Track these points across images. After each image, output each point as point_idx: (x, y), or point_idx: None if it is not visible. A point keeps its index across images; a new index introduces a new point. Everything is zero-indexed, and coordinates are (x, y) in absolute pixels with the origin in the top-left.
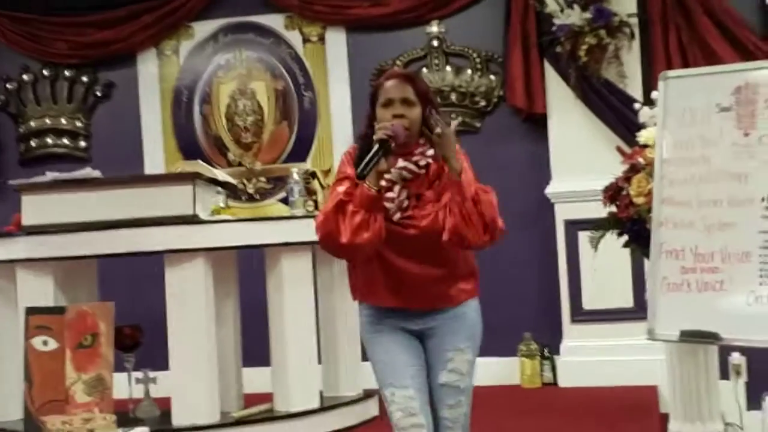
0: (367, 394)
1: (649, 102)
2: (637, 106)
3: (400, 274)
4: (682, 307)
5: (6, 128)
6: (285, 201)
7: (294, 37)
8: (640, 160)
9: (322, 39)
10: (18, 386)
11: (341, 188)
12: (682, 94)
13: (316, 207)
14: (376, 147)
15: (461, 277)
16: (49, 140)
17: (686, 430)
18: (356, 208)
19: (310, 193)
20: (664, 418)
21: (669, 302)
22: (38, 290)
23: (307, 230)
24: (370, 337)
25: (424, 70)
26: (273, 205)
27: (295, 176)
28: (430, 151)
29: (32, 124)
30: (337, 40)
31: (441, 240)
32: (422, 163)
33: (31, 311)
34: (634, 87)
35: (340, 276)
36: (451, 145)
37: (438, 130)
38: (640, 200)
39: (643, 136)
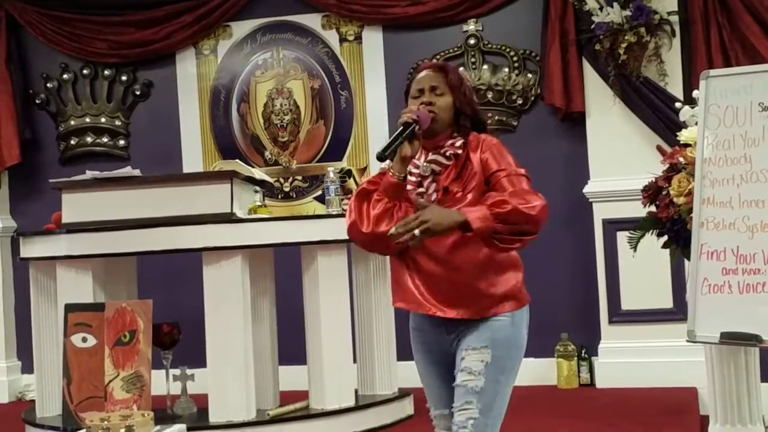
0: (403, 393)
1: (689, 101)
2: (678, 105)
3: (423, 274)
4: (723, 308)
5: (46, 127)
6: (321, 199)
7: (331, 37)
8: (681, 159)
9: (359, 38)
10: (57, 382)
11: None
12: (723, 93)
13: None
14: (399, 129)
15: (494, 286)
16: (89, 139)
17: None
18: (380, 196)
19: (346, 191)
20: (704, 421)
21: (709, 304)
22: (78, 287)
23: (343, 229)
24: (414, 352)
25: (461, 68)
26: (309, 204)
27: (331, 175)
28: (459, 142)
29: (72, 122)
30: (373, 40)
31: (467, 237)
32: (449, 153)
33: (70, 308)
34: (674, 86)
35: (376, 274)
36: (435, 224)
37: (418, 203)
38: (680, 200)
39: (683, 136)
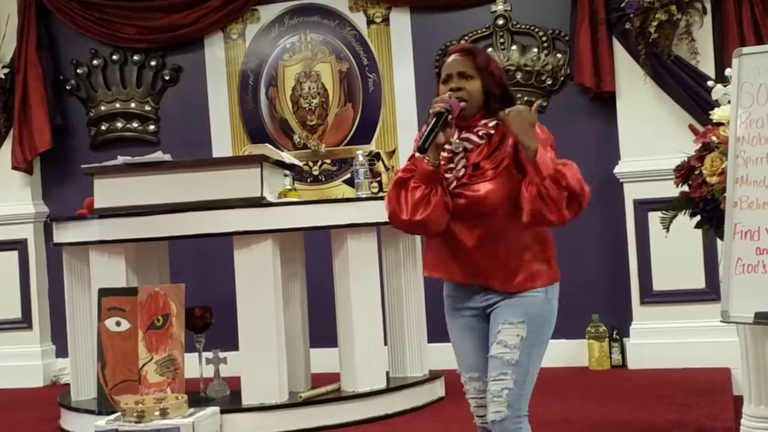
0: (434, 375)
1: (721, 79)
2: (710, 83)
3: (457, 245)
4: (757, 288)
5: (77, 113)
6: (350, 182)
7: (358, 19)
8: (714, 138)
9: (386, 20)
10: (92, 366)
11: (403, 166)
12: (756, 71)
13: (381, 189)
14: (432, 121)
15: (527, 262)
16: (119, 124)
17: (761, 414)
18: (417, 183)
19: (374, 174)
20: (738, 401)
21: (743, 284)
22: (111, 272)
23: (372, 212)
24: (447, 319)
25: (489, 49)
26: (338, 187)
27: (360, 158)
28: (492, 123)
29: (102, 108)
30: (401, 21)
31: (497, 213)
32: (481, 132)
33: (104, 293)
34: (706, 64)
35: (405, 257)
36: (520, 124)
37: (503, 112)
38: (713, 180)
39: (716, 114)
